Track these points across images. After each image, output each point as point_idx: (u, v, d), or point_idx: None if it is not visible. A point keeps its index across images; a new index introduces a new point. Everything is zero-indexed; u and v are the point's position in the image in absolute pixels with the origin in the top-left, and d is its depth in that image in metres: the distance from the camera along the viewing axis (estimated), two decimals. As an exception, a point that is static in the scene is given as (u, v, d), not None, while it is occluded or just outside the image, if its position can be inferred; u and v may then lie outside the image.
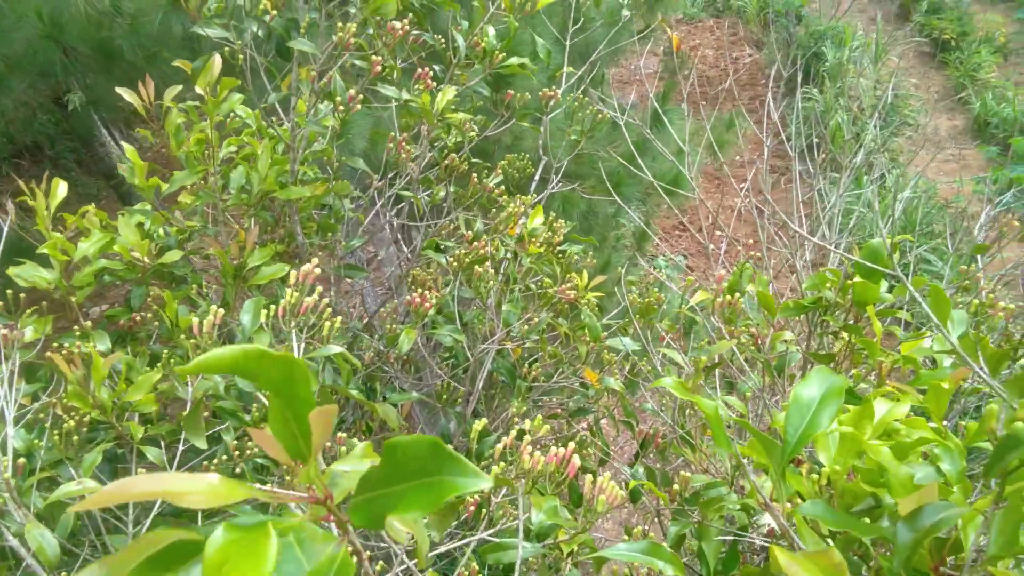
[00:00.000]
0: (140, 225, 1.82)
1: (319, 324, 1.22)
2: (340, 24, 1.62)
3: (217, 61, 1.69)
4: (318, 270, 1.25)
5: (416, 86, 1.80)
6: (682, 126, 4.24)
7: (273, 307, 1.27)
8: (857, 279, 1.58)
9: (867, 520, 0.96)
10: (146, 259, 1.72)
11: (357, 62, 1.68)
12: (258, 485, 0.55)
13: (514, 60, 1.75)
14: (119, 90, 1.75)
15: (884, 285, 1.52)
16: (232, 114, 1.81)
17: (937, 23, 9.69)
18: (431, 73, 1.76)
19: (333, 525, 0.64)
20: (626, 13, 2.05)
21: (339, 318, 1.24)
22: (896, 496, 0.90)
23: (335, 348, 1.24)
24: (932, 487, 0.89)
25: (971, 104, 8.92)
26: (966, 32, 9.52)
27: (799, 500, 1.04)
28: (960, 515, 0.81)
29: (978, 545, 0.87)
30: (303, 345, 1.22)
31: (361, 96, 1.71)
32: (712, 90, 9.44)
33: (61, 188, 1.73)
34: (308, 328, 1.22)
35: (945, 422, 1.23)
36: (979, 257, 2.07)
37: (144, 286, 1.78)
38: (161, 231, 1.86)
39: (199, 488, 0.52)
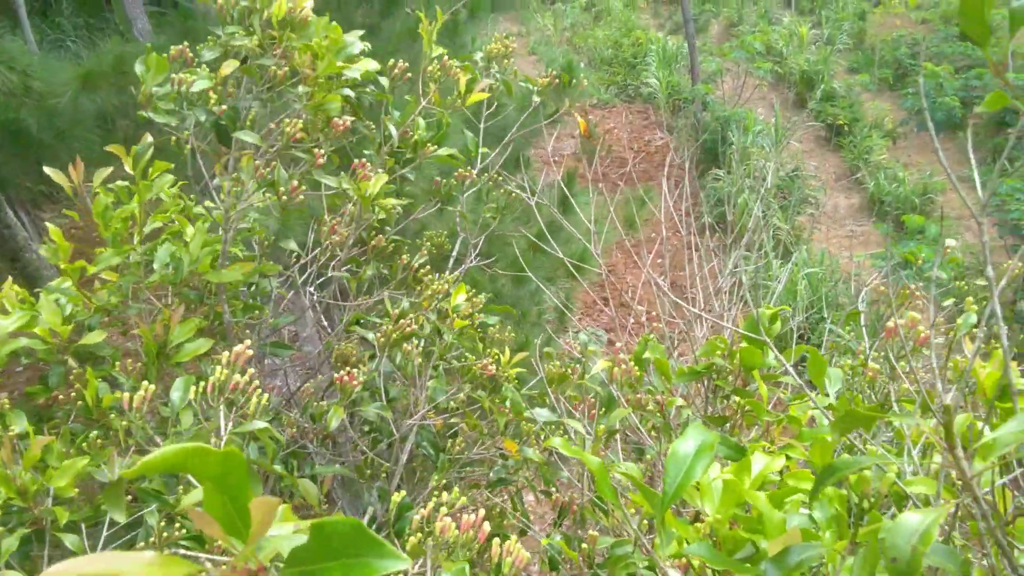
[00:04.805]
0: (57, 301, 1.80)
1: (246, 401, 1.25)
2: (287, 120, 1.69)
3: (149, 142, 1.72)
4: (250, 351, 1.29)
5: (354, 174, 1.87)
6: (590, 206, 4.43)
7: (201, 384, 1.30)
8: (743, 346, 1.72)
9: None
10: (64, 341, 1.70)
11: (300, 154, 1.74)
12: (201, 555, 0.60)
13: (443, 151, 1.85)
14: (47, 170, 1.75)
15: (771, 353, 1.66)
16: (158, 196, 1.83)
17: (831, 109, 10.44)
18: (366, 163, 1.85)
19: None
20: (536, 99, 2.20)
21: (266, 395, 1.28)
22: (770, 539, 1.00)
23: (260, 424, 1.27)
24: (796, 531, 0.99)
25: (866, 184, 9.59)
26: (857, 118, 10.29)
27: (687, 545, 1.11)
28: (821, 555, 0.91)
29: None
30: (230, 422, 1.25)
31: (304, 187, 1.76)
32: (626, 170, 9.85)
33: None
34: (235, 405, 1.26)
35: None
36: (862, 322, 2.26)
37: (63, 364, 1.76)
38: (81, 308, 1.85)
39: (142, 566, 0.56)
